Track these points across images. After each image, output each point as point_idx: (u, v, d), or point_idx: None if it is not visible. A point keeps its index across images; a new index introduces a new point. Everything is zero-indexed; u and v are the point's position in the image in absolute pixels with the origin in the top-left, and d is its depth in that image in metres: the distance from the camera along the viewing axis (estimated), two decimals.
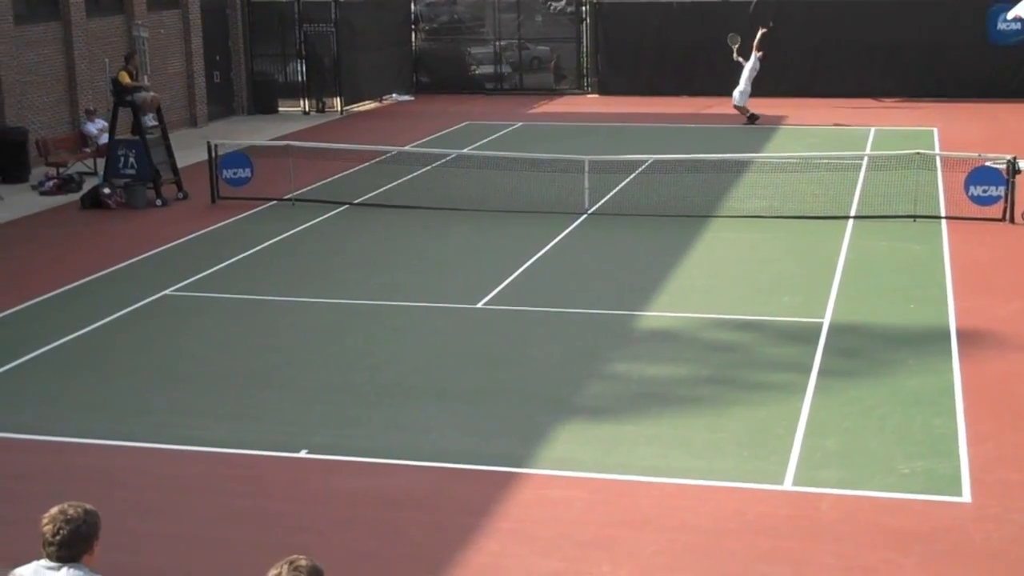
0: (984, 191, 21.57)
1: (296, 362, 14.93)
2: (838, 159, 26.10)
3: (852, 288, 17.62)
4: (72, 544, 5.89)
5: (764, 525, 10.59)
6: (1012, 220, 21.13)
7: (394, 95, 40.91)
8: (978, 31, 37.15)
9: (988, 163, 22.13)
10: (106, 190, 24.07)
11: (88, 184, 25.41)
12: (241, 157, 24.92)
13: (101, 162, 25.77)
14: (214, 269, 19.24)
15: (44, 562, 5.92)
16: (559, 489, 11.39)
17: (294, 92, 38.63)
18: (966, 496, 11.08)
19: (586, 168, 23.23)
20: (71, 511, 5.92)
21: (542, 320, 16.61)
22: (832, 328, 15.82)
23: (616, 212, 22.60)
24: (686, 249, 20.00)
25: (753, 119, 33.24)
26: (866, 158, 26.19)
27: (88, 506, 6.01)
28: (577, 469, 11.79)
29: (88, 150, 27.80)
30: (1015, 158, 21.51)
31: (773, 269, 18.87)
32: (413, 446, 12.33)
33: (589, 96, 40.85)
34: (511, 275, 18.60)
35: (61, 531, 5.86)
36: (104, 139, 26.31)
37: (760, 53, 33.15)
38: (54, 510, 5.94)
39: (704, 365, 14.69)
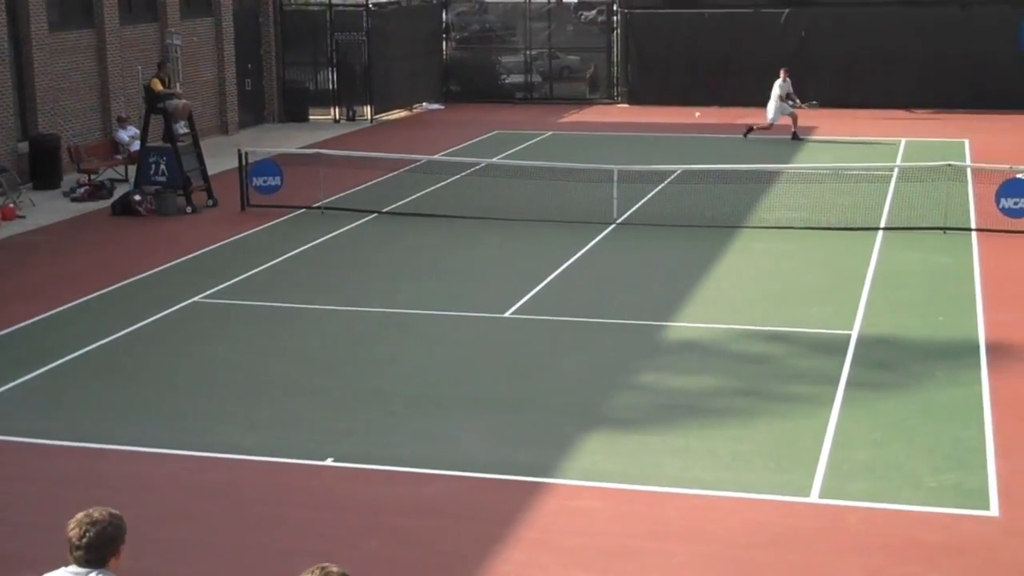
0: (1015, 203, 21.47)
1: (324, 370, 14.99)
2: (869, 170, 26.03)
3: (881, 300, 17.57)
4: (99, 547, 5.91)
5: (791, 538, 10.57)
6: None
7: (424, 104, 41.01)
8: (1010, 41, 36.98)
9: (1020, 175, 22.02)
10: (137, 197, 24.21)
11: (119, 191, 25.57)
12: (271, 165, 25.03)
13: (132, 169, 25.91)
14: (244, 276, 19.33)
15: (72, 568, 5.94)
16: (585, 499, 11.40)
17: (325, 100, 38.78)
18: (994, 510, 11.02)
19: (615, 178, 23.24)
20: (96, 515, 5.95)
21: (570, 330, 16.62)
22: (861, 340, 15.77)
23: (645, 222, 22.60)
24: (715, 260, 19.98)
25: (747, 132, 32.74)
26: (896, 169, 26.11)
27: (113, 510, 6.05)
28: (604, 480, 11.78)
29: (120, 157, 27.98)
30: None
31: (802, 280, 18.83)
32: (440, 455, 12.35)
33: (619, 106, 40.87)
34: (540, 284, 18.62)
35: (87, 534, 5.89)
36: (136, 146, 26.48)
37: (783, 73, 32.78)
38: (80, 515, 5.98)
39: (732, 376, 14.67)
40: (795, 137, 32.42)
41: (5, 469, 12.39)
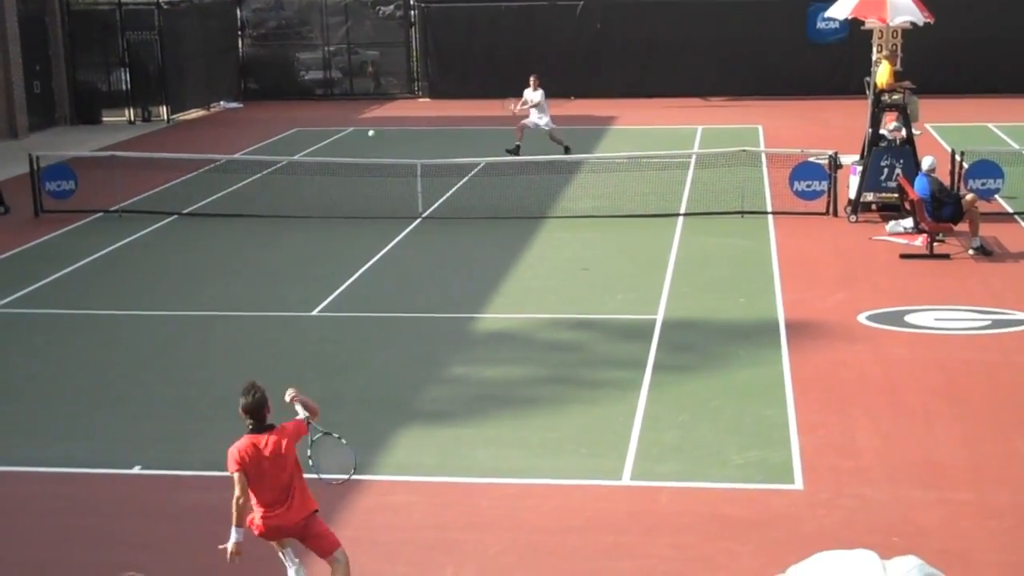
0: (808, 186, 22.14)
1: (128, 377, 14.62)
2: (666, 158, 26.53)
3: (684, 284, 17.94)
4: None
5: (605, 521, 10.72)
6: (835, 214, 21.73)
7: (222, 102, 40.35)
8: (798, 30, 38.12)
9: (811, 159, 22.73)
10: None
11: None
12: (64, 169, 24.30)
13: None
14: (41, 284, 18.73)
15: None
16: (400, 495, 11.37)
17: (119, 101, 37.81)
18: (798, 483, 11.37)
19: (419, 172, 23.21)
20: None
21: (379, 325, 16.56)
22: (665, 324, 16.08)
23: (450, 216, 22.64)
24: (521, 250, 20.13)
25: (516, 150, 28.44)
26: (694, 156, 26.68)
27: None
28: (417, 474, 11.78)
29: None
30: (836, 153, 22.13)
31: (606, 268, 19.10)
32: None
33: (420, 100, 40.85)
34: (347, 281, 18.49)
35: None
36: None
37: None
38: None
39: (541, 365, 14.80)
40: (516, 151, 28.31)
41: None
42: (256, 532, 9.26)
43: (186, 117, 38.10)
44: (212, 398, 13.79)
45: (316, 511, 9.25)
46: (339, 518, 10.83)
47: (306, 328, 16.51)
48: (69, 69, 36.81)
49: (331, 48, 42.43)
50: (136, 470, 11.94)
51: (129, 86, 37.82)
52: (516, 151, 28.04)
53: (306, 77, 42.59)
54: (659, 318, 16.33)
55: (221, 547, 9.01)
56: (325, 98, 41.62)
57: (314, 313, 17.03)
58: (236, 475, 8.96)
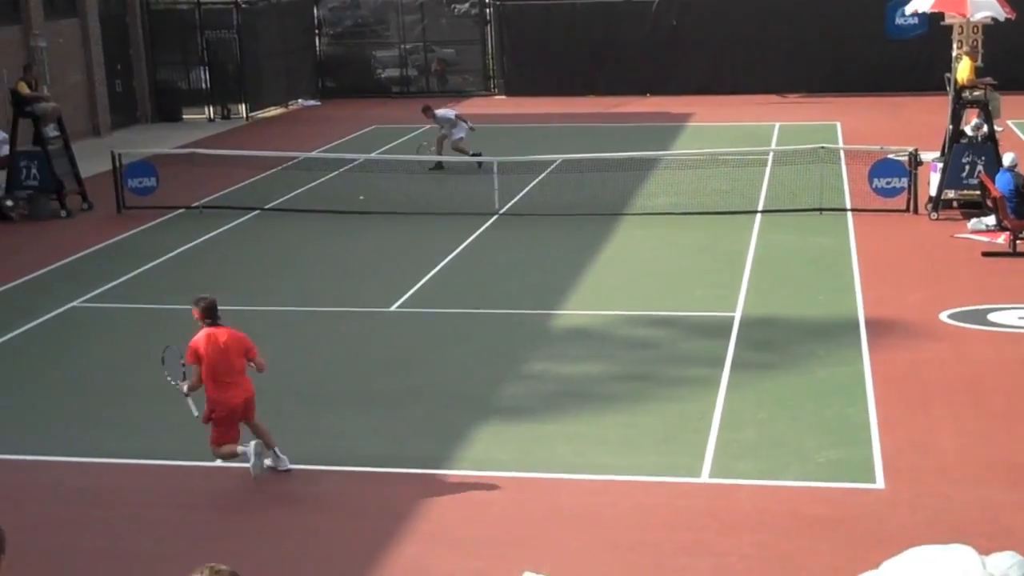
0: (887, 183, 21.90)
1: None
2: (744, 155, 26.38)
3: (762, 281, 17.81)
4: None
5: (684, 518, 10.68)
6: (915, 211, 21.48)
7: (300, 100, 40.66)
8: (877, 26, 37.69)
9: (891, 155, 22.49)
10: (9, 202, 23.68)
11: None
12: (146, 166, 24.61)
13: (3, 174, 25.29)
14: (122, 279, 18.98)
15: None
16: (479, 489, 11.39)
17: (198, 99, 38.25)
18: (879, 483, 11.25)
19: (495, 169, 23.25)
20: None
21: (457, 321, 16.60)
22: (744, 321, 15.98)
23: (526, 212, 22.65)
24: (598, 247, 20.09)
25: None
26: (771, 153, 26.49)
27: None
28: (496, 469, 11.79)
29: None
30: (916, 150, 21.88)
31: (684, 265, 19.02)
32: (330, 452, 12.26)
33: (496, 97, 40.90)
34: (424, 278, 18.56)
35: None
36: (5, 151, 25.81)
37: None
38: None
39: (619, 362, 14.77)
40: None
41: None
42: (220, 414, 11.46)
43: (264, 115, 38.44)
44: (290, 393, 13.89)
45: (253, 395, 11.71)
46: (416, 512, 10.88)
47: (384, 324, 16.59)
48: (150, 68, 37.28)
49: (407, 46, 42.60)
50: (219, 462, 12.05)
51: (208, 84, 38.25)
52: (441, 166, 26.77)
53: (383, 75, 42.79)
54: (737, 315, 16.23)
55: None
56: (401, 96, 41.78)
57: (392, 309, 17.11)
58: (192, 367, 11.46)
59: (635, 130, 32.35)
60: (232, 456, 11.61)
